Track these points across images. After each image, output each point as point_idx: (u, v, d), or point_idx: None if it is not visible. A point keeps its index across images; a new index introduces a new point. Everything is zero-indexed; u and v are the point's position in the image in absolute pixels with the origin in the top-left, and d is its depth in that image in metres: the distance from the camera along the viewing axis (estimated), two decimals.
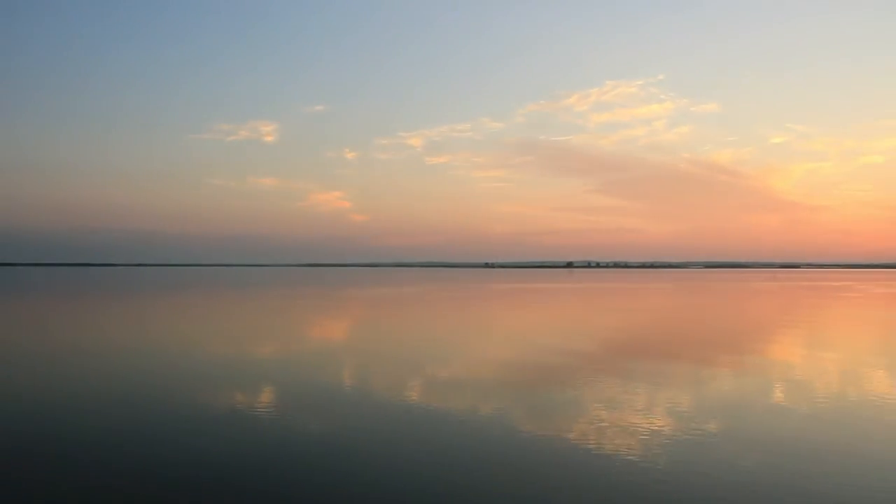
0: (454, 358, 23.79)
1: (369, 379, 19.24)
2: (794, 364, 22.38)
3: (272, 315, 45.19)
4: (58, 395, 16.69)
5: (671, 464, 10.91)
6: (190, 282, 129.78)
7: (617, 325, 37.96)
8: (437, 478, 10.27)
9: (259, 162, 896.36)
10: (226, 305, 55.64)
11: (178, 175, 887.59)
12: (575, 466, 10.83)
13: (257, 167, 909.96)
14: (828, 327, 37.24)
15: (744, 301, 64.13)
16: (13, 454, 11.54)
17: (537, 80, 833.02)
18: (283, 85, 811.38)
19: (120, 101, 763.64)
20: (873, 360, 23.19)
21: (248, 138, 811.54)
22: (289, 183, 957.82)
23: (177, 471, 10.61)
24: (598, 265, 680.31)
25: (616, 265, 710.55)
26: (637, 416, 14.42)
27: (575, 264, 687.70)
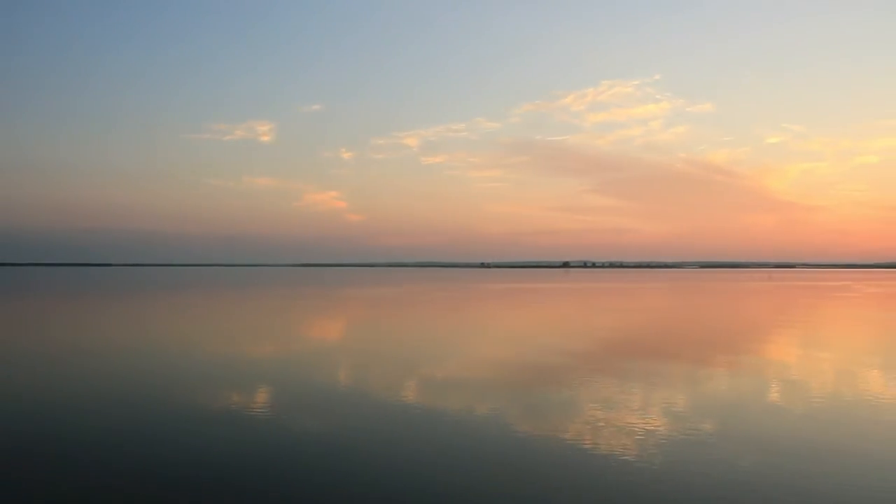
0: (451, 358, 23.85)
1: (368, 379, 19.28)
2: (790, 364, 22.48)
3: (271, 315, 45.19)
4: (58, 395, 16.70)
5: (669, 463, 10.97)
6: (188, 282, 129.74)
7: (613, 325, 38.06)
8: (437, 478, 10.32)
9: (255, 162, 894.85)
10: (225, 305, 55.63)
11: (177, 175, 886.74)
12: (573, 466, 10.88)
13: (253, 167, 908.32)
14: (823, 327, 37.39)
15: (740, 301, 64.30)
16: (13, 454, 11.56)
17: (533, 80, 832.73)
18: (279, 85, 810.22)
19: (119, 101, 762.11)
20: (869, 360, 23.31)
21: (244, 138, 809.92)
22: (285, 183, 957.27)
23: (177, 471, 10.64)
24: (594, 265, 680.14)
25: (612, 265, 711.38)
26: (634, 415, 14.49)
27: (571, 264, 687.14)
